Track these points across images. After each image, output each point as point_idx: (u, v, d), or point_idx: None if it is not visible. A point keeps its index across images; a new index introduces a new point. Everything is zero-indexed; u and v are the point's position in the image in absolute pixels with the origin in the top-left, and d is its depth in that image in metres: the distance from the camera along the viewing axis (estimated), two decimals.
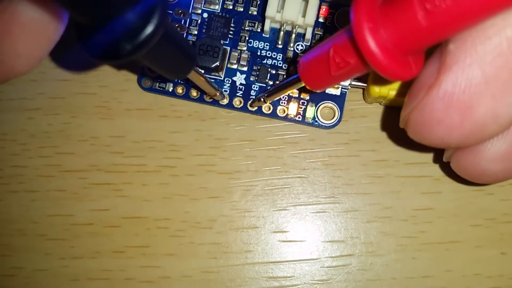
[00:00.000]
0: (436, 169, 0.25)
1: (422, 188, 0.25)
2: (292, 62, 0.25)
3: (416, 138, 0.17)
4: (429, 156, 0.25)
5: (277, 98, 0.24)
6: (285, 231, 0.24)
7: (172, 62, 0.18)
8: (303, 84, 0.19)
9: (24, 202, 0.25)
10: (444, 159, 0.22)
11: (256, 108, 0.24)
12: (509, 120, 0.15)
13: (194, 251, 0.24)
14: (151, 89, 0.25)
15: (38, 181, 0.25)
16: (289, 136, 0.25)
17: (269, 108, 0.24)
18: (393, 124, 0.25)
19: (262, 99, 0.23)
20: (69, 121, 0.25)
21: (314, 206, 0.25)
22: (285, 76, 0.25)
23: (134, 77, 0.25)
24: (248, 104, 0.25)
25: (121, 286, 0.24)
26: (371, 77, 0.23)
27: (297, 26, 0.24)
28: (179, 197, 0.25)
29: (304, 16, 0.23)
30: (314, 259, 0.24)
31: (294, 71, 0.24)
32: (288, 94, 0.24)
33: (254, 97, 0.24)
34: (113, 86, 0.26)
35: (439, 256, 0.24)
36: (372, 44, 0.14)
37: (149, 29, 0.14)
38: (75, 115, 0.26)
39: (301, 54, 0.25)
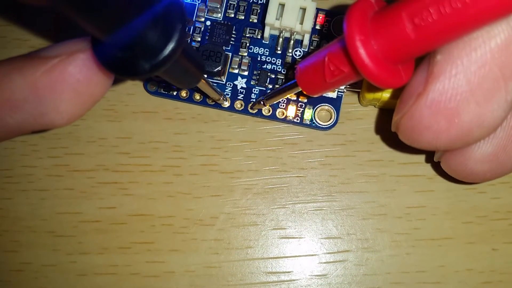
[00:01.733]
0: (429, 168, 0.26)
1: (416, 186, 0.26)
2: (291, 67, 0.26)
3: (406, 142, 0.18)
4: (422, 156, 0.26)
5: (276, 101, 0.25)
6: (284, 228, 0.25)
7: (185, 74, 0.18)
8: (300, 89, 0.20)
9: (34, 200, 0.26)
10: (435, 159, 0.23)
11: (256, 110, 0.26)
12: (493, 125, 0.16)
13: (197, 247, 0.25)
14: (156, 93, 0.26)
15: (48, 180, 0.26)
16: (288, 138, 0.26)
17: (269, 111, 0.25)
18: (387, 126, 0.26)
19: (262, 102, 0.24)
20: (78, 123, 0.26)
21: (312, 204, 0.26)
22: (283, 81, 0.26)
23: (140, 82, 0.26)
24: (249, 107, 0.26)
25: (127, 281, 0.25)
26: (365, 81, 0.24)
27: (295, 33, 0.25)
28: (183, 196, 0.26)
29: (301, 23, 0.24)
30: (312, 255, 0.25)
31: (293, 76, 0.26)
32: (287, 97, 0.25)
33: (254, 100, 0.26)
34: (120, 90, 0.27)
35: (432, 252, 0.25)
36: (363, 55, 0.15)
37: (170, 47, 0.14)
38: (84, 117, 0.26)
39: (299, 60, 0.26)
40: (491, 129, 0.16)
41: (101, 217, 0.25)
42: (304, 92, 0.20)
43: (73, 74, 0.16)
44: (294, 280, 0.25)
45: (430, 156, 0.26)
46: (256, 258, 0.25)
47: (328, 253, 0.25)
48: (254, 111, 0.26)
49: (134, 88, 0.27)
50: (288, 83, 0.21)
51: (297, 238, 0.25)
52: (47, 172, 0.26)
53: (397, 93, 0.23)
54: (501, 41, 0.14)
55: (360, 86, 0.25)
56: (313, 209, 0.25)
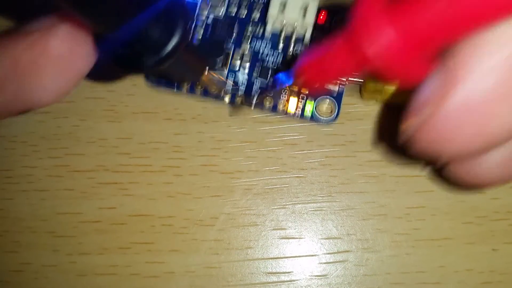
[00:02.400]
0: (428, 169, 0.26)
1: (416, 187, 0.26)
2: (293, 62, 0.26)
3: (422, 155, 0.16)
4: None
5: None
6: (284, 228, 0.25)
7: (189, 69, 0.18)
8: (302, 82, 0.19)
9: (34, 201, 0.26)
10: (436, 167, 0.21)
11: (254, 104, 0.25)
12: None
13: (197, 248, 0.25)
14: (158, 84, 0.26)
15: (48, 180, 0.26)
16: (288, 138, 0.26)
17: (269, 103, 0.25)
18: (388, 126, 0.26)
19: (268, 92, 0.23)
20: (78, 124, 0.27)
21: (312, 204, 0.26)
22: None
23: (140, 82, 0.26)
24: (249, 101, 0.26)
25: (127, 281, 0.25)
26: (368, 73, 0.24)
27: (296, 29, 0.25)
28: (183, 196, 0.26)
29: (304, 17, 0.24)
30: (312, 255, 0.25)
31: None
32: (289, 88, 0.25)
33: (255, 93, 0.26)
34: (120, 90, 0.27)
35: (432, 252, 0.25)
36: (379, 42, 0.13)
37: (173, 43, 0.14)
38: (84, 118, 0.27)
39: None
40: None
41: (101, 217, 0.25)
42: (306, 85, 0.19)
43: (55, 47, 0.16)
44: (294, 280, 0.25)
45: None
46: (256, 259, 0.25)
47: (328, 253, 0.25)
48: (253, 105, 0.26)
49: (134, 89, 0.27)
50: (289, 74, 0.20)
51: (297, 238, 0.25)
52: (47, 172, 0.26)
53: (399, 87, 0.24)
54: None
55: (362, 77, 0.25)
56: (313, 209, 0.26)
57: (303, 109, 0.25)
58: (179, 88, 0.26)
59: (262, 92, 0.24)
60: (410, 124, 0.15)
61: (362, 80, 0.25)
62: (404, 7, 0.13)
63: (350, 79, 0.25)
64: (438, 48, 0.14)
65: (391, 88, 0.24)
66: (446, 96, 0.14)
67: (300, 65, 0.18)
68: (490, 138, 0.14)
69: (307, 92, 0.25)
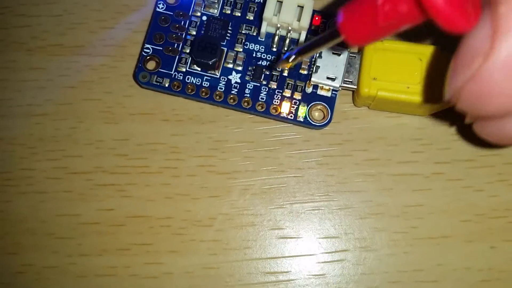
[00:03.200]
0: (426, 167, 0.26)
1: (413, 185, 0.26)
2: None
3: (468, 109, 0.16)
4: (419, 155, 0.26)
5: (311, 55, 0.23)
6: (282, 228, 0.25)
7: None
8: (342, 39, 0.16)
9: (33, 203, 0.26)
10: (466, 122, 0.20)
11: (251, 105, 0.25)
12: None
13: (195, 248, 0.25)
14: (148, 84, 0.26)
15: (46, 183, 0.26)
16: (285, 138, 0.26)
17: (262, 107, 0.25)
18: (384, 125, 0.26)
19: (292, 58, 0.20)
20: (75, 125, 0.27)
21: (310, 203, 0.26)
22: (278, 78, 0.26)
23: (137, 84, 0.27)
24: (273, 65, 0.25)
25: (126, 282, 0.25)
26: (361, 78, 0.24)
27: (291, 31, 0.25)
28: (181, 197, 0.26)
29: (299, 20, 0.24)
30: (310, 255, 0.25)
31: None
32: (281, 93, 0.25)
33: (248, 95, 0.25)
34: (117, 92, 0.27)
35: (430, 251, 0.25)
36: None
37: None
38: (81, 120, 0.27)
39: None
40: None
41: (99, 219, 0.26)
42: (348, 41, 0.16)
43: None
44: (292, 280, 0.25)
45: (426, 156, 0.26)
46: (254, 259, 0.25)
47: (326, 252, 0.25)
48: (248, 106, 0.25)
49: (131, 90, 0.27)
50: (328, 32, 0.17)
51: (295, 238, 0.25)
52: (46, 174, 0.26)
53: (394, 90, 0.24)
54: None
55: (355, 84, 0.25)
56: (310, 209, 0.26)
57: (296, 113, 0.25)
58: (170, 89, 0.26)
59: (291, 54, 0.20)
60: (457, 79, 0.15)
61: (355, 87, 0.25)
62: None
63: (343, 84, 0.24)
64: None
65: (383, 95, 0.24)
66: (493, 49, 0.13)
67: (341, 19, 0.16)
68: None
69: (299, 97, 0.25)
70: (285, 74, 0.26)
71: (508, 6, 0.13)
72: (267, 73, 0.26)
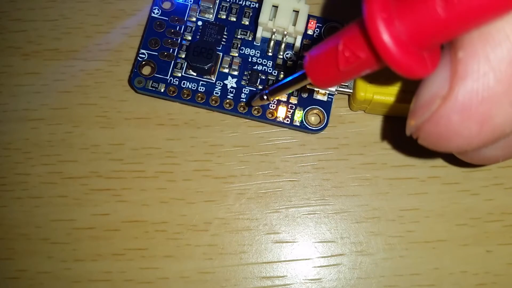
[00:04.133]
0: (422, 171, 0.26)
1: (409, 189, 0.26)
2: (282, 68, 0.26)
3: (429, 147, 0.16)
4: (415, 159, 0.26)
5: (281, 95, 0.24)
6: (277, 233, 0.25)
7: None
8: (309, 81, 0.18)
9: (28, 208, 0.26)
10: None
11: (246, 110, 0.25)
12: None
13: (191, 253, 0.25)
14: (143, 89, 0.26)
15: (41, 188, 0.26)
16: (280, 142, 0.26)
17: (258, 112, 0.25)
18: (380, 129, 0.26)
19: (265, 97, 0.22)
20: (71, 130, 0.27)
21: (305, 208, 0.26)
22: (274, 81, 0.26)
23: (131, 89, 0.27)
24: (248, 102, 0.25)
25: (122, 287, 0.25)
26: (357, 83, 0.24)
27: (287, 35, 0.25)
28: (176, 201, 0.26)
29: (294, 25, 0.24)
30: (306, 259, 0.25)
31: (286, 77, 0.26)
32: (278, 98, 0.25)
33: (244, 100, 0.25)
34: (112, 96, 0.27)
35: (426, 255, 0.25)
36: (385, 35, 0.13)
37: None
38: (77, 124, 0.27)
39: (291, 62, 0.26)
40: None
41: (94, 224, 0.25)
42: (313, 84, 0.17)
43: None
44: (288, 284, 0.25)
45: (424, 158, 0.26)
46: (250, 263, 0.25)
47: (322, 257, 0.25)
48: (244, 111, 0.25)
49: (126, 95, 0.27)
50: (296, 74, 0.19)
51: (290, 242, 0.25)
52: (41, 179, 0.26)
53: (390, 94, 0.24)
54: None
55: (351, 88, 0.25)
56: (306, 213, 0.26)
57: (292, 118, 0.25)
58: (165, 94, 0.26)
59: (264, 93, 0.22)
60: (415, 120, 0.16)
61: (351, 91, 0.25)
62: (410, 3, 0.13)
63: (339, 89, 0.25)
64: (442, 42, 0.14)
65: (379, 99, 0.24)
66: (451, 92, 0.14)
67: (306, 62, 0.17)
68: (497, 132, 0.14)
69: (295, 102, 0.25)
70: (281, 78, 0.26)
71: (466, 52, 0.13)
72: (263, 77, 0.26)
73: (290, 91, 0.25)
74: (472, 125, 0.14)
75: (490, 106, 0.14)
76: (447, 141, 0.15)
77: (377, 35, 0.13)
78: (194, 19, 0.26)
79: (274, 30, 0.25)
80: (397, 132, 0.26)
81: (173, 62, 0.26)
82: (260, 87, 0.26)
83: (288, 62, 0.26)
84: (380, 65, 0.14)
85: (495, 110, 0.14)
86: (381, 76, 0.24)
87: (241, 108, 0.25)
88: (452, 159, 0.26)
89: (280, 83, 0.21)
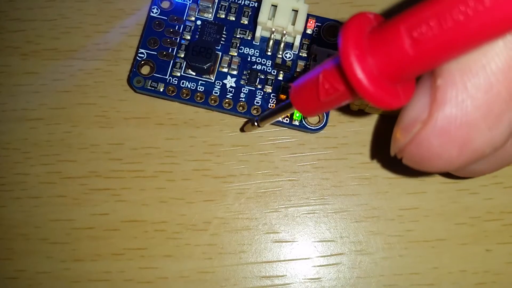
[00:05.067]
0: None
1: (408, 188, 0.26)
2: (280, 67, 0.26)
3: (413, 167, 0.17)
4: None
5: (270, 122, 0.25)
6: (277, 232, 0.25)
7: None
8: (295, 110, 0.19)
9: (27, 208, 0.26)
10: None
11: (246, 109, 0.25)
12: (504, 142, 0.15)
13: (190, 252, 0.25)
14: (142, 89, 0.26)
15: (40, 187, 0.26)
16: (280, 141, 0.26)
17: (257, 111, 0.25)
18: (379, 129, 0.26)
19: (255, 123, 0.23)
20: (70, 130, 0.27)
21: (305, 207, 0.26)
22: (273, 81, 0.26)
23: (130, 88, 0.27)
24: (242, 128, 0.26)
25: (121, 287, 0.25)
26: None
27: (286, 35, 0.25)
28: (176, 201, 0.26)
29: (293, 24, 0.24)
30: (305, 258, 0.25)
31: (283, 81, 0.26)
32: (276, 97, 0.25)
33: (243, 99, 0.25)
34: (111, 96, 0.27)
35: (425, 254, 0.25)
36: (358, 71, 0.14)
37: None
38: (76, 124, 0.27)
39: (289, 63, 0.26)
40: (501, 145, 0.15)
41: (94, 223, 0.25)
42: (300, 112, 0.19)
43: None
44: (287, 284, 0.25)
45: None
46: (250, 263, 0.25)
47: (322, 256, 0.25)
48: (243, 110, 0.25)
49: (125, 94, 0.27)
50: (282, 103, 0.21)
51: (290, 241, 0.25)
52: (40, 179, 0.26)
53: None
54: (502, 62, 0.13)
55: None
56: (306, 212, 0.26)
57: (291, 117, 0.25)
58: (164, 93, 0.26)
59: (254, 120, 0.23)
60: (398, 142, 0.17)
61: None
62: (381, 41, 0.14)
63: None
64: (414, 76, 0.15)
65: None
66: (431, 117, 0.15)
67: (291, 92, 0.18)
68: (476, 154, 0.15)
69: (282, 117, 0.25)
70: (280, 78, 0.26)
71: (444, 80, 0.14)
72: (262, 77, 0.26)
73: (279, 118, 0.25)
74: (451, 148, 0.15)
75: (469, 131, 0.14)
76: (429, 162, 0.16)
77: (351, 70, 0.14)
78: (193, 18, 0.26)
79: (273, 29, 0.25)
80: None
81: (172, 61, 0.26)
82: (259, 86, 0.26)
83: (288, 62, 0.26)
84: (356, 97, 0.15)
85: (473, 134, 0.14)
86: None
87: (240, 108, 0.25)
88: None
89: (269, 111, 0.22)
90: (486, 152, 0.15)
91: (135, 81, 0.26)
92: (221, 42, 0.26)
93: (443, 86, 0.14)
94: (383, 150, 0.26)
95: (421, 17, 0.13)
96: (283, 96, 0.25)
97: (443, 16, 0.12)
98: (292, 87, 0.18)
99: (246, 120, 0.26)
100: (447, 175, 0.26)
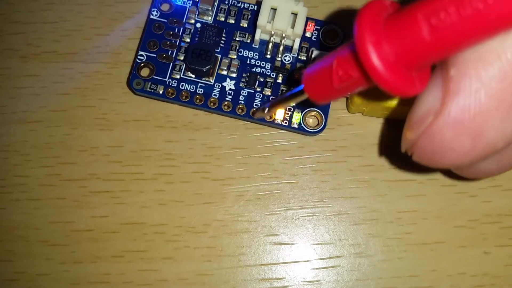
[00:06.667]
0: (420, 173, 0.26)
1: (407, 191, 0.26)
2: (279, 70, 0.26)
3: (423, 163, 0.17)
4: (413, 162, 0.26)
5: (280, 109, 0.25)
6: (276, 234, 0.25)
7: None
8: (307, 96, 0.19)
9: (27, 210, 0.26)
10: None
11: (245, 112, 0.25)
12: None
13: (190, 255, 0.25)
14: (142, 91, 0.26)
15: (40, 190, 0.26)
16: (279, 144, 0.26)
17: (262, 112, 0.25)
18: (378, 131, 0.26)
19: (265, 110, 0.23)
20: (69, 132, 0.27)
21: (304, 210, 0.26)
22: (272, 85, 0.26)
23: (130, 91, 0.27)
24: (251, 113, 0.25)
25: None
26: None
27: (285, 38, 0.25)
28: (175, 203, 0.26)
29: (293, 27, 0.25)
30: (304, 261, 0.25)
31: (290, 84, 0.26)
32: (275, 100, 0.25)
33: (242, 102, 0.26)
34: (111, 98, 0.27)
35: (424, 256, 0.25)
36: (374, 58, 0.14)
37: None
38: (76, 126, 0.27)
39: (289, 65, 0.26)
40: None
41: (93, 226, 0.25)
42: (310, 99, 0.18)
43: None
44: (286, 286, 0.25)
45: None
46: (249, 265, 0.25)
47: (320, 258, 0.25)
48: (242, 113, 0.25)
49: (125, 97, 0.27)
50: (294, 90, 0.20)
51: (289, 244, 0.25)
52: (40, 181, 0.26)
53: (388, 100, 0.24)
54: None
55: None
56: (305, 215, 0.26)
57: (290, 120, 0.25)
58: (166, 96, 0.26)
59: (265, 107, 0.23)
60: (410, 136, 0.16)
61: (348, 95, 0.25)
62: (398, 28, 0.14)
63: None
64: (430, 63, 0.15)
65: (377, 103, 0.24)
66: (444, 108, 0.14)
67: (304, 79, 0.18)
68: (489, 147, 0.15)
69: (294, 104, 0.25)
70: (279, 81, 0.26)
71: (458, 70, 0.14)
72: (261, 80, 0.26)
73: (289, 105, 0.25)
74: (464, 140, 0.15)
75: (482, 122, 0.14)
76: (441, 156, 0.16)
77: (367, 57, 0.14)
78: (192, 21, 0.26)
79: (272, 32, 0.25)
80: (395, 134, 0.26)
81: (171, 64, 0.26)
82: (258, 89, 0.26)
83: (287, 64, 0.26)
84: (370, 84, 0.15)
85: (487, 125, 0.14)
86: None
87: (240, 110, 0.26)
88: None
89: (280, 97, 0.22)
90: (498, 146, 0.15)
91: (134, 83, 0.26)
92: (221, 44, 0.26)
93: (457, 76, 0.14)
94: (382, 153, 0.26)
95: (440, 5, 0.13)
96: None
97: (462, 3, 0.12)
98: (305, 74, 0.18)
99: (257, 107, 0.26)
100: (447, 177, 0.26)
